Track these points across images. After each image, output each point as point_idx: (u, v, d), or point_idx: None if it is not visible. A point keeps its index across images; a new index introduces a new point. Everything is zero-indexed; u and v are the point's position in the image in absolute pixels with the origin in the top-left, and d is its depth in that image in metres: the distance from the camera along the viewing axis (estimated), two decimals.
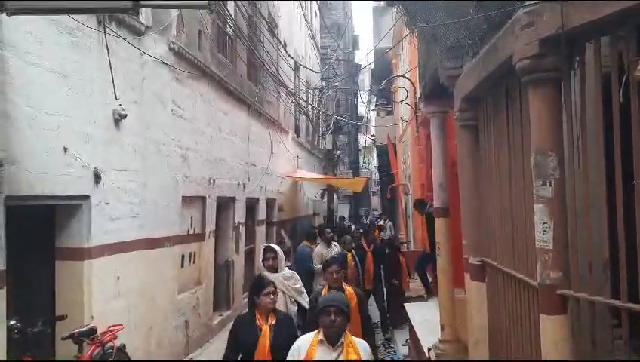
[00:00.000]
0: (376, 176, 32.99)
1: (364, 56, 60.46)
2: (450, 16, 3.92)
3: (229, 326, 8.93)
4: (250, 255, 10.95)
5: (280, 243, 13.18)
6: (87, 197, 5.11)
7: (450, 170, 5.79)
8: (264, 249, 5.66)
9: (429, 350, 5.81)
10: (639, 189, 2.27)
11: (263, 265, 5.52)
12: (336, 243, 9.44)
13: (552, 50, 2.56)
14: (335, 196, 23.44)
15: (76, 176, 4.93)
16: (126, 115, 5.64)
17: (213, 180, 8.50)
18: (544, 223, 2.62)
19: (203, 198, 8.18)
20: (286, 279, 5.49)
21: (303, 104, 16.64)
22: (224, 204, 9.35)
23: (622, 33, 2.35)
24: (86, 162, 5.06)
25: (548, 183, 2.62)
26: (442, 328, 5.64)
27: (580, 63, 2.58)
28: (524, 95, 2.96)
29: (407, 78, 10.68)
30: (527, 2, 2.66)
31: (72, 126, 4.88)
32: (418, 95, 8.64)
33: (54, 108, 4.65)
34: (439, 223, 5.73)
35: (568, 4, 2.43)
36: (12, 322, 4.17)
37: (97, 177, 5.21)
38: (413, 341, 7.42)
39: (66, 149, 4.75)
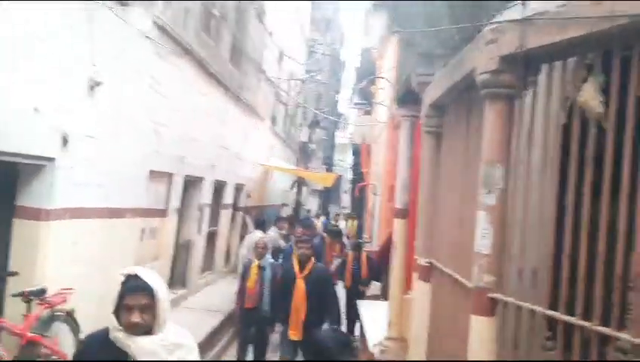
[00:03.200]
0: (349, 175, 32.97)
1: (349, 53, 60.98)
2: (427, 23, 4.05)
3: (182, 304, 8.94)
4: (212, 237, 11.01)
5: (244, 227, 13.21)
6: (52, 160, 5.11)
7: (415, 173, 5.93)
8: (123, 283, 2.35)
9: (374, 346, 5.98)
10: (570, 202, 2.44)
11: (118, 320, 2.34)
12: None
13: (510, 67, 2.71)
14: (304, 189, 23.54)
15: (43, 136, 4.93)
16: (101, 83, 5.63)
17: (183, 158, 8.53)
18: (484, 229, 2.78)
19: (170, 175, 8.20)
20: (170, 350, 2.36)
21: (283, 94, 16.67)
22: (191, 183, 9.38)
23: (572, 59, 2.51)
24: (55, 124, 5.06)
25: (492, 192, 2.77)
26: (389, 325, 5.81)
27: (533, 83, 2.73)
28: (482, 108, 3.10)
29: (386, 79, 10.76)
30: (494, 20, 2.81)
31: (45, 87, 4.87)
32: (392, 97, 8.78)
33: (28, 69, 4.64)
34: (398, 224, 5.88)
35: (529, 26, 2.58)
36: None
37: (65, 141, 5.21)
38: (363, 338, 7.59)
39: (36, 110, 4.75)
